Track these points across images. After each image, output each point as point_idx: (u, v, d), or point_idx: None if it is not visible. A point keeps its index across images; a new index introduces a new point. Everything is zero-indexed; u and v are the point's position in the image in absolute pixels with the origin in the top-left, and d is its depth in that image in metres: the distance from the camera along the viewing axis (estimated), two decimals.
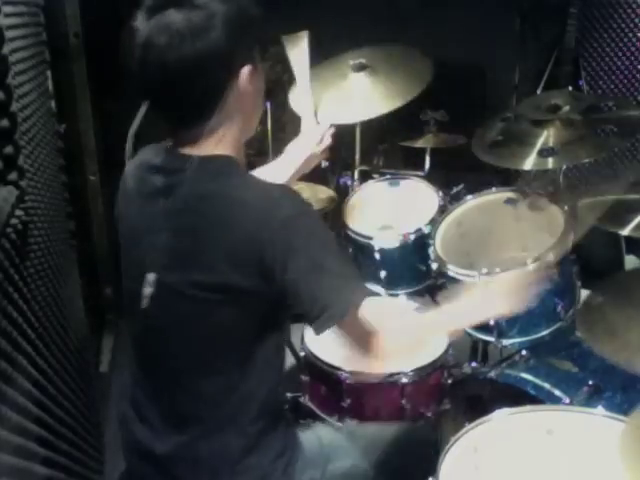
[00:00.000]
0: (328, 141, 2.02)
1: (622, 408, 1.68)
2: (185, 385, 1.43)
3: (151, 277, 1.36)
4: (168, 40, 1.24)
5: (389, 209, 2.47)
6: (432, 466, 1.46)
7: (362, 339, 1.35)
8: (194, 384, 1.42)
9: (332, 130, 2.04)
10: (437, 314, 1.47)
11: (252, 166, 1.77)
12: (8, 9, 1.64)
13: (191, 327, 1.38)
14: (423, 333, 1.46)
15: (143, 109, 1.32)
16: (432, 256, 2.19)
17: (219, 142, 1.36)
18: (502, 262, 2.06)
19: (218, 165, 1.35)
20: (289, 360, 2.00)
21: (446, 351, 1.99)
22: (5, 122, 1.50)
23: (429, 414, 1.93)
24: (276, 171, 1.88)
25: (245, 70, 1.32)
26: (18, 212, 1.50)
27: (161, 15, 1.25)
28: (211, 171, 1.34)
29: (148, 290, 1.36)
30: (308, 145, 1.99)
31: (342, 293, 1.31)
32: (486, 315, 1.57)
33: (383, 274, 2.31)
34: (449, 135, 2.78)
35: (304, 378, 2.02)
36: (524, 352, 2.02)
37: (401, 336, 1.40)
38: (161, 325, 1.41)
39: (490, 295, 1.49)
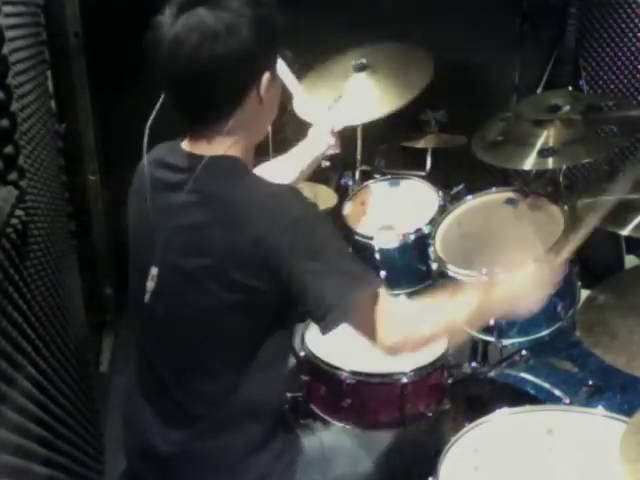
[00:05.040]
0: (336, 144, 2.04)
1: (622, 408, 1.68)
2: (186, 385, 1.43)
3: (154, 271, 1.36)
4: (199, 38, 1.24)
5: (389, 209, 2.47)
6: (432, 469, 1.47)
7: (372, 333, 1.33)
8: (195, 384, 1.42)
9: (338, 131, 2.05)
10: (457, 311, 1.40)
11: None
12: (8, 9, 1.64)
13: (192, 324, 1.38)
14: (440, 330, 1.41)
15: (159, 103, 1.33)
16: (432, 256, 2.19)
17: (232, 145, 1.36)
18: (502, 262, 2.06)
19: (225, 165, 1.36)
20: (289, 360, 2.00)
21: (446, 351, 1.98)
22: (5, 122, 1.49)
23: (429, 414, 1.93)
24: (282, 170, 1.89)
25: (266, 76, 1.34)
26: (18, 212, 1.49)
27: (192, 13, 1.26)
28: (218, 171, 1.35)
29: (151, 285, 1.36)
30: (316, 147, 2.00)
31: (347, 293, 1.30)
32: (504, 314, 1.55)
33: (383, 274, 2.31)
34: (450, 135, 2.79)
35: (304, 378, 2.02)
36: (524, 352, 2.02)
37: (415, 332, 1.36)
38: (163, 321, 1.41)
39: (509, 292, 1.45)
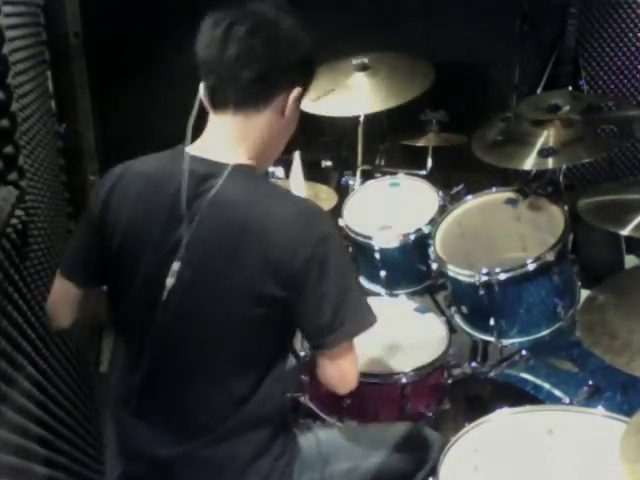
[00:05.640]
0: None
1: (622, 408, 1.68)
2: (194, 393, 1.41)
3: (175, 266, 1.33)
4: (257, 22, 1.32)
5: (389, 209, 2.47)
6: (431, 466, 1.46)
7: (349, 368, 1.43)
8: (205, 394, 1.40)
9: None
10: None
11: None
12: (8, 9, 1.64)
13: (211, 329, 1.37)
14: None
15: (198, 99, 1.35)
16: (432, 256, 2.19)
17: (248, 154, 1.37)
18: (502, 262, 2.06)
19: (251, 174, 1.37)
20: (289, 360, 2.00)
21: (446, 351, 1.98)
22: (5, 122, 1.50)
23: (429, 414, 1.93)
24: None
25: (298, 89, 1.38)
26: (18, 212, 1.50)
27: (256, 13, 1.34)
28: (244, 178, 1.35)
29: (170, 281, 1.34)
30: None
31: (362, 314, 1.38)
32: None
33: (383, 274, 2.31)
34: (450, 134, 2.79)
35: (304, 378, 2.01)
36: (524, 352, 2.02)
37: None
38: (180, 321, 1.37)
39: None
